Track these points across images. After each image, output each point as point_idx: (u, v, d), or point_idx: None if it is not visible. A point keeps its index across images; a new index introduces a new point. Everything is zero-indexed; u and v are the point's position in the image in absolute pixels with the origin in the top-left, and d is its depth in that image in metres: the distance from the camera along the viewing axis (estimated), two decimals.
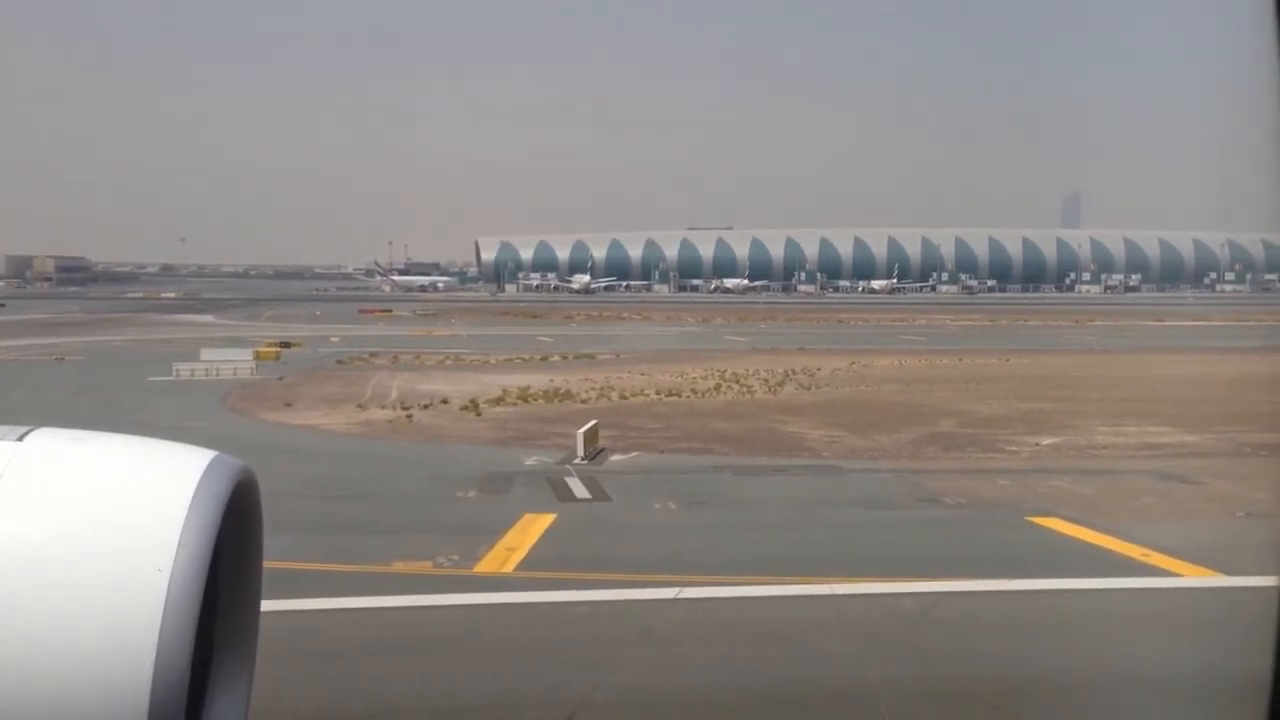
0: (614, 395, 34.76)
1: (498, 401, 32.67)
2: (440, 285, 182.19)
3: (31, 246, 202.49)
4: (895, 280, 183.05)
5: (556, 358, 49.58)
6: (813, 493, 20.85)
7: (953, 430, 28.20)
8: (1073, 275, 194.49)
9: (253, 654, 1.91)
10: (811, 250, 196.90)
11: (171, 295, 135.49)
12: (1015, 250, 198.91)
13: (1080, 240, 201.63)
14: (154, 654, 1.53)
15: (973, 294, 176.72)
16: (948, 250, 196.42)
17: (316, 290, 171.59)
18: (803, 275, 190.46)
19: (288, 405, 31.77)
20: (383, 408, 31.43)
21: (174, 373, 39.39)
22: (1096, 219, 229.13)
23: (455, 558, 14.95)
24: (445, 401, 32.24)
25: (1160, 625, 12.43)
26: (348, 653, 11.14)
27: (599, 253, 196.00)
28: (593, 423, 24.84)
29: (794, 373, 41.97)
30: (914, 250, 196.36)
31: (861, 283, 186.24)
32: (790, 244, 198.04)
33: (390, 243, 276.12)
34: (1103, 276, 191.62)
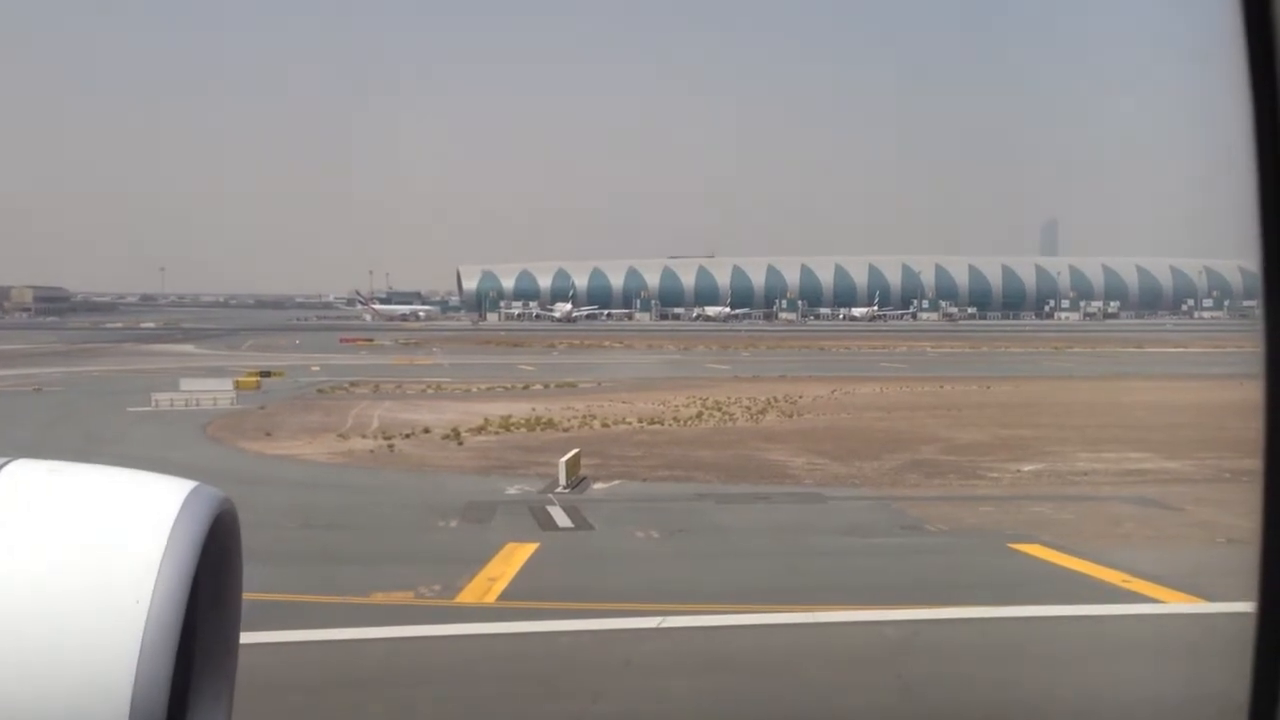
0: (596, 424, 34.74)
1: (479, 430, 32.61)
2: (422, 314, 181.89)
3: (9, 276, 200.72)
4: (876, 308, 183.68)
5: (538, 386, 49.55)
6: (795, 520, 20.85)
7: (934, 457, 28.27)
8: (1052, 302, 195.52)
9: (231, 687, 1.89)
10: (793, 278, 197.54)
11: (151, 325, 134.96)
12: (995, 277, 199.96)
13: (1059, 267, 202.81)
14: (131, 688, 1.51)
15: (953, 321, 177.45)
16: (928, 278, 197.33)
17: (297, 319, 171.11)
18: (784, 303, 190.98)
19: (268, 435, 31.63)
20: (364, 437, 31.32)
21: (153, 403, 39.20)
22: (1075, 246, 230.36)
23: (437, 588, 14.87)
24: (427, 430, 32.16)
25: (1142, 651, 12.45)
26: (328, 685, 11.04)
27: (581, 281, 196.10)
28: (575, 451, 24.81)
29: (776, 400, 42.06)
30: (894, 278, 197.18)
31: (843, 310, 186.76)
32: (772, 272, 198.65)
33: (371, 271, 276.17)
34: (1081, 304, 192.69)
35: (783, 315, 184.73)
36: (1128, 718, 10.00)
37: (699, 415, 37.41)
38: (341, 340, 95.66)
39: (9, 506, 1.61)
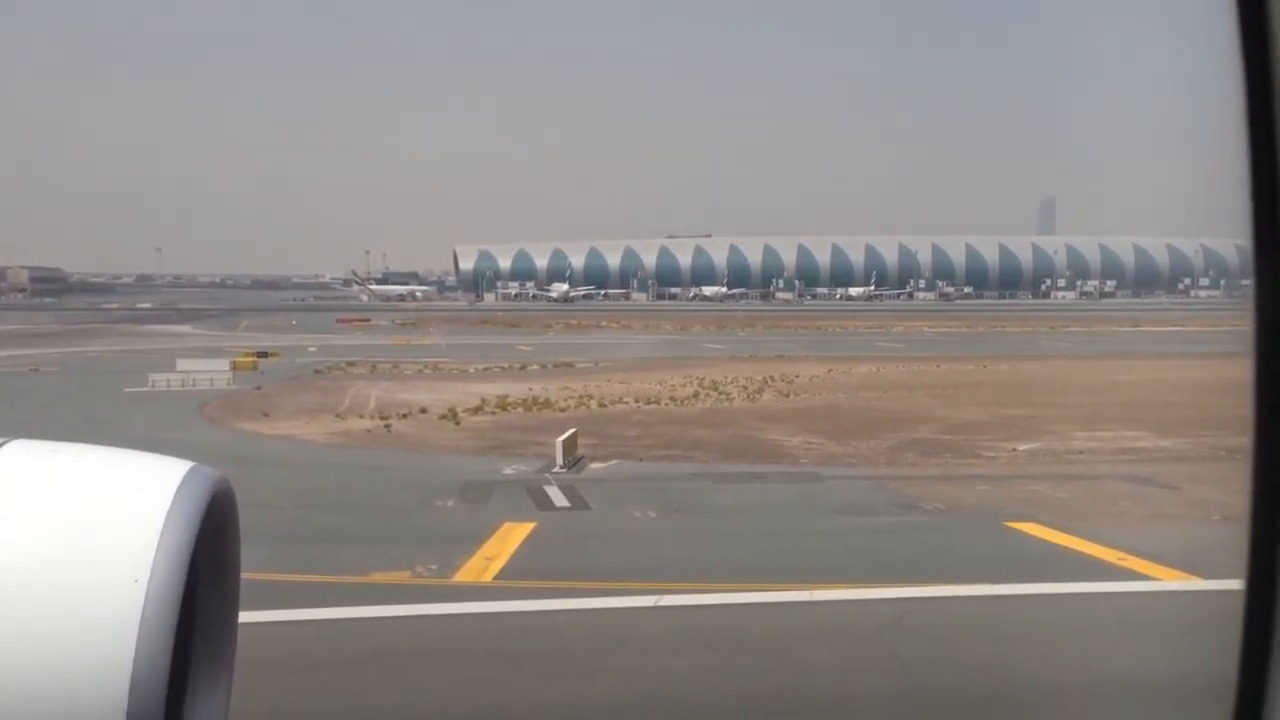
0: (593, 403, 34.75)
1: (476, 410, 32.62)
2: (418, 294, 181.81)
3: (5, 257, 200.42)
4: (873, 287, 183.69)
5: (535, 366, 49.53)
6: (792, 500, 20.88)
7: (931, 436, 28.30)
8: (1048, 281, 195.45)
9: (231, 666, 1.90)
10: (789, 258, 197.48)
11: (148, 306, 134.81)
12: (991, 257, 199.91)
13: (1056, 246, 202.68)
14: (131, 667, 1.52)
15: (950, 300, 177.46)
16: (925, 257, 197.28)
17: (294, 300, 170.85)
18: (781, 283, 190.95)
19: (265, 415, 31.62)
20: (361, 417, 31.31)
21: (150, 383, 39.16)
22: (1072, 225, 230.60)
23: (434, 567, 14.91)
24: (424, 411, 32.16)
25: (1137, 629, 12.51)
26: (326, 664, 11.08)
27: (577, 261, 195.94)
28: (572, 431, 24.83)
29: (772, 380, 42.05)
30: (891, 257, 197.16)
31: (839, 290, 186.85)
32: (768, 251, 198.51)
33: (368, 252, 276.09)
34: (1078, 282, 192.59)
35: (779, 295, 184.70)
36: (1123, 695, 10.06)
37: (696, 395, 37.41)
38: (338, 321, 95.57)
39: (7, 487, 1.61)
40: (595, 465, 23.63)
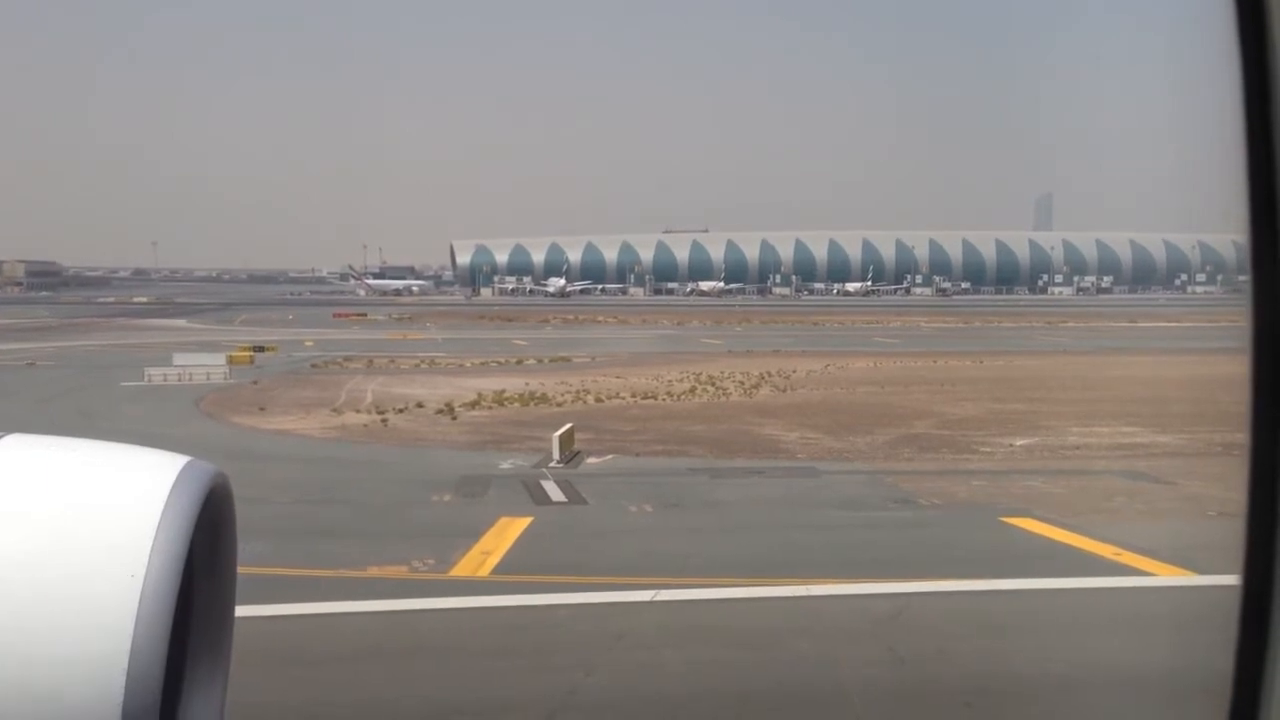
0: (589, 398, 34.75)
1: (473, 405, 32.61)
2: (415, 289, 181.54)
3: (1, 251, 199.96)
4: (870, 282, 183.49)
5: (532, 361, 49.51)
6: (789, 495, 20.90)
7: (927, 431, 28.32)
8: (1045, 277, 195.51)
9: (227, 661, 1.90)
10: (786, 253, 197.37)
11: (144, 300, 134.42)
12: (988, 252, 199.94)
13: (1053, 242, 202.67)
14: (127, 661, 1.52)
15: (946, 296, 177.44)
16: (922, 252, 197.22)
17: (290, 294, 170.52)
18: (778, 278, 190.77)
19: (261, 410, 31.59)
20: (357, 412, 31.30)
21: (146, 377, 39.12)
22: (1069, 220, 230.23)
23: (431, 562, 14.92)
24: (420, 405, 32.16)
25: (1133, 624, 12.52)
26: (323, 658, 11.09)
27: (574, 256, 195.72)
28: (568, 426, 24.83)
29: (769, 375, 42.06)
30: (888, 252, 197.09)
31: (836, 285, 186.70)
32: (765, 246, 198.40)
33: (365, 246, 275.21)
34: (1075, 278, 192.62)
35: (776, 290, 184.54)
36: (1119, 690, 10.07)
37: (692, 390, 37.40)
38: (335, 315, 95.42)
39: (4, 481, 1.61)
40: (592, 460, 23.64)
